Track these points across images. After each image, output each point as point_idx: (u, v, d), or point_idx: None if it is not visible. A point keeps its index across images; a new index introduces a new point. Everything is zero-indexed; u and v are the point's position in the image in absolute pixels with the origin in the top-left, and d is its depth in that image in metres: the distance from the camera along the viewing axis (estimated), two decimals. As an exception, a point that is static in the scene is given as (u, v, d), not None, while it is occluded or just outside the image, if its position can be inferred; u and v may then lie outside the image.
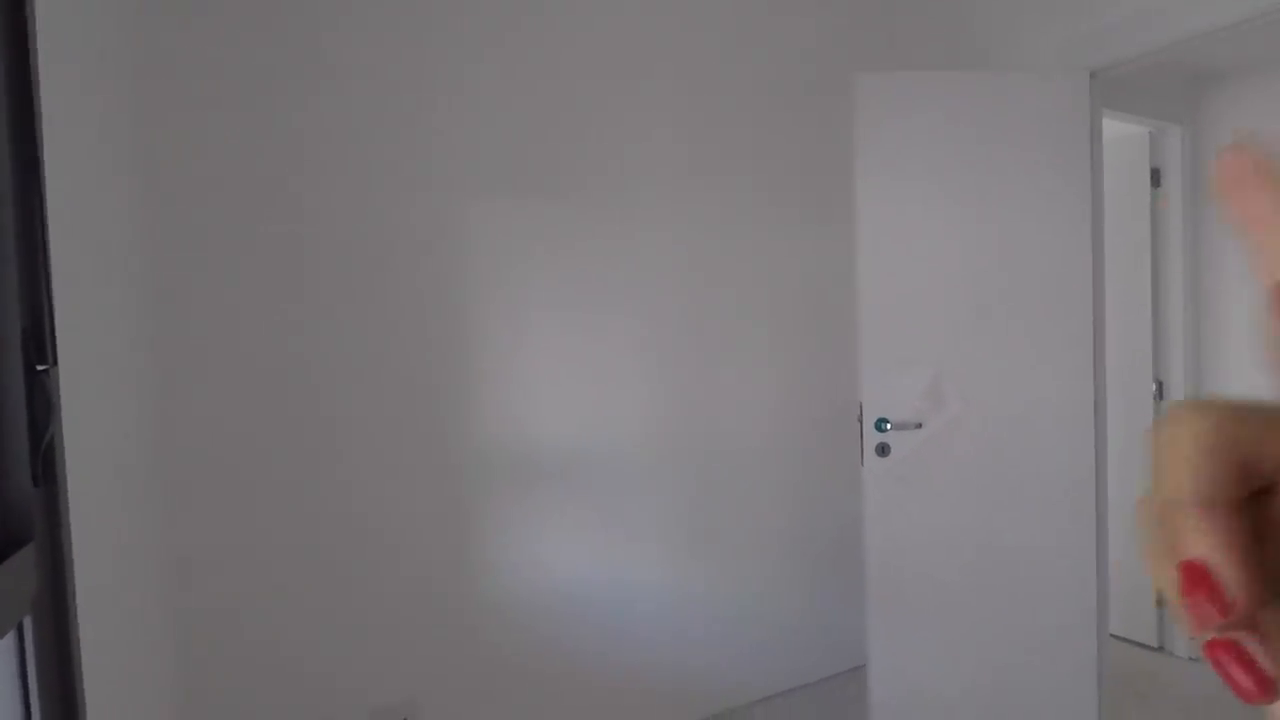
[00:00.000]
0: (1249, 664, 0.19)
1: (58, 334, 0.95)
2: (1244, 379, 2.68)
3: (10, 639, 0.84)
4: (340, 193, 1.89)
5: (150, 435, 1.62)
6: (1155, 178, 2.78)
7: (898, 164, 2.07)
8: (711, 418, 2.44)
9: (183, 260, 1.73)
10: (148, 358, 1.63)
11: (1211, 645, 0.19)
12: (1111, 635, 2.43)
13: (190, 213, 1.73)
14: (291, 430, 1.85)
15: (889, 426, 2.07)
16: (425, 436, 2.00)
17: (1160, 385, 2.80)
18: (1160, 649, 2.84)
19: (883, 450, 2.08)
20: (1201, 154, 2.75)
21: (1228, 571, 0.18)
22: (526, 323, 2.14)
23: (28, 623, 0.86)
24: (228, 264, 1.78)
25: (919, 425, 2.07)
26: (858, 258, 2.08)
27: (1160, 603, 2.83)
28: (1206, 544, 0.18)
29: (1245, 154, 0.21)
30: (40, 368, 0.90)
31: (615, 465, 2.28)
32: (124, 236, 1.47)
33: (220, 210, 1.76)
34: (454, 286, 2.04)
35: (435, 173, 2.01)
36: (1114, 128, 2.74)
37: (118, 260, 1.42)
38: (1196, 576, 0.19)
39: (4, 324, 0.87)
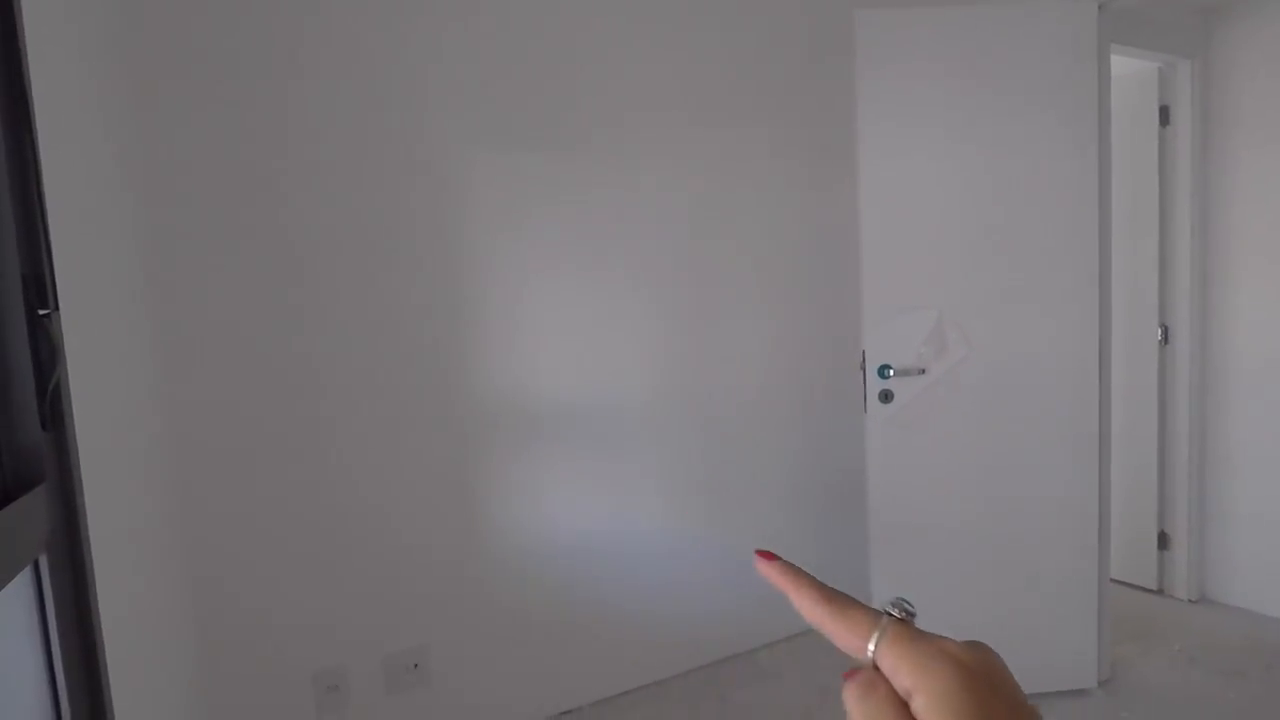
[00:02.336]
0: None
1: (58, 280, 0.95)
2: (1251, 324, 2.66)
3: (29, 578, 0.86)
4: (336, 150, 1.87)
5: (156, 388, 1.63)
6: (1164, 116, 2.72)
7: (900, 104, 2.03)
8: (714, 368, 2.45)
9: (178, 216, 1.72)
10: (149, 309, 1.63)
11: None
12: (1112, 580, 2.45)
13: (185, 167, 1.72)
14: (297, 386, 1.86)
15: (892, 373, 2.07)
16: (429, 392, 2.01)
17: (1165, 330, 2.79)
18: (1160, 592, 2.88)
19: (886, 397, 2.09)
20: (1213, 91, 2.69)
21: None
22: (526, 277, 2.13)
23: (44, 563, 0.88)
24: (224, 225, 1.77)
25: (922, 371, 2.07)
26: (860, 202, 2.06)
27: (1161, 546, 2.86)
28: None
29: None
30: (42, 312, 0.90)
31: (618, 417, 2.29)
32: (118, 186, 1.46)
33: (216, 169, 1.75)
34: (453, 241, 2.03)
35: (431, 127, 1.98)
36: (1122, 64, 2.68)
37: (114, 208, 1.41)
38: None
39: (4, 269, 0.87)
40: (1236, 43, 2.64)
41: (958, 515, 2.13)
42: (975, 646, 0.29)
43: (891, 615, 0.30)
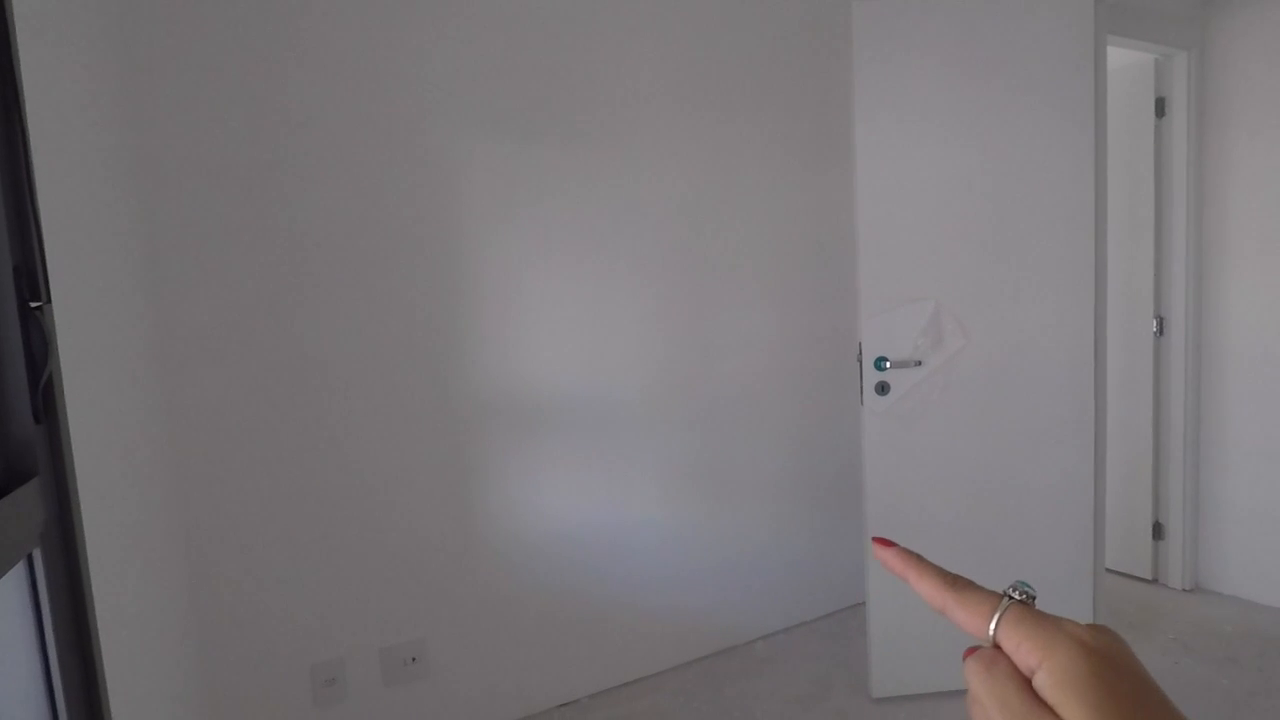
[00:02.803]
0: None
1: (51, 273, 0.94)
2: (1246, 315, 2.67)
3: (22, 571, 0.86)
4: (332, 141, 1.86)
5: (151, 380, 1.62)
6: (1160, 107, 2.72)
7: (897, 95, 2.03)
8: (711, 360, 2.45)
9: (172, 207, 1.71)
10: (142, 300, 1.63)
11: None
12: (1107, 569, 2.47)
13: (179, 157, 1.71)
14: (292, 379, 1.85)
15: (889, 365, 2.07)
16: (426, 384, 2.01)
17: (1161, 322, 2.79)
18: (1155, 581, 2.90)
19: (882, 389, 2.09)
20: (1209, 83, 2.69)
21: None
22: (524, 268, 2.13)
23: (38, 556, 0.87)
24: (219, 215, 1.76)
25: (918, 363, 2.07)
26: (856, 193, 2.05)
27: (1156, 535, 2.88)
28: None
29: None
30: (34, 305, 0.90)
31: (615, 409, 2.29)
32: (111, 175, 1.45)
33: (210, 159, 1.74)
34: (451, 232, 2.03)
35: (429, 118, 1.97)
36: (1118, 56, 2.68)
37: (107, 198, 1.40)
38: None
39: (-5, 262, 0.86)
40: (1233, 34, 2.63)
41: (954, 505, 2.14)
42: (1100, 630, 0.29)
43: (1012, 597, 0.31)
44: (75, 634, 0.89)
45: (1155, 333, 2.80)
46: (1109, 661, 0.28)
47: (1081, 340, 2.14)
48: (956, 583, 0.33)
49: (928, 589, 0.33)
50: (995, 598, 0.31)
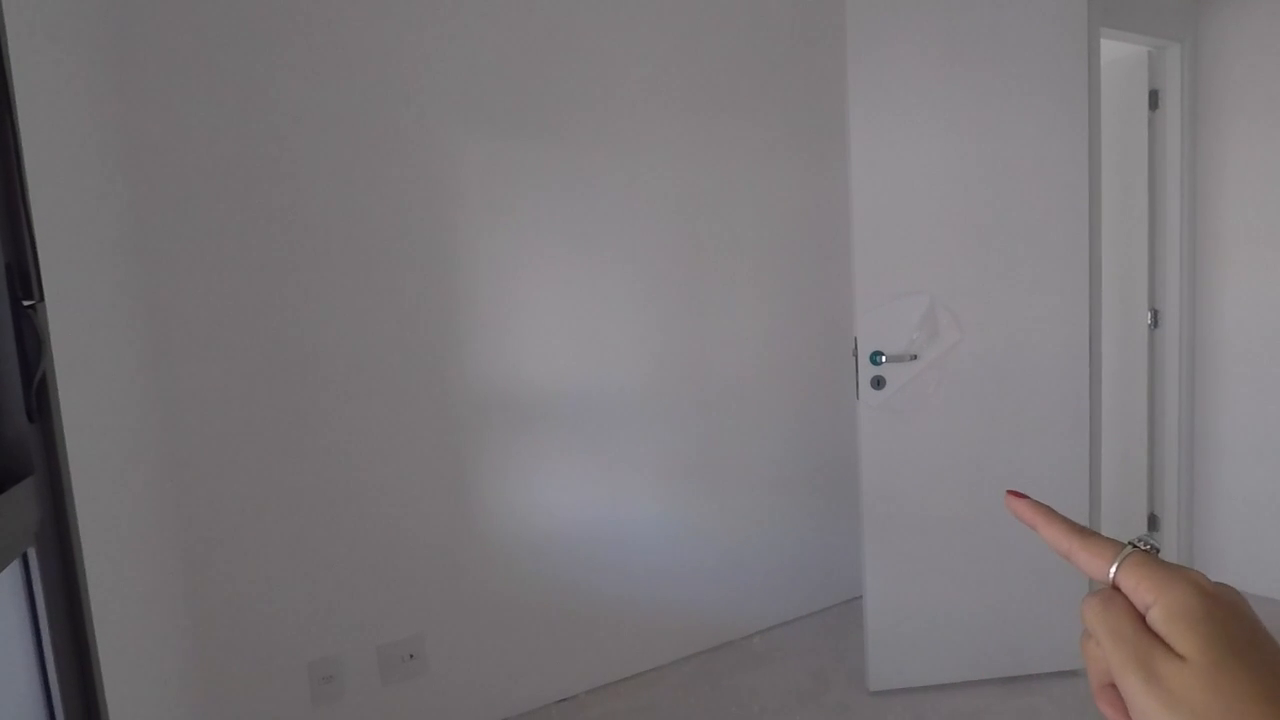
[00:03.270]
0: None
1: (43, 271, 0.94)
2: (1240, 306, 2.68)
3: (17, 569, 0.86)
4: (326, 137, 1.86)
5: (145, 378, 1.62)
6: (1154, 99, 2.73)
7: (890, 88, 2.03)
8: (706, 355, 2.45)
9: (165, 205, 1.71)
10: (136, 298, 1.62)
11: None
12: (1103, 561, 2.47)
13: (172, 155, 1.70)
14: (288, 376, 1.85)
15: (884, 359, 2.08)
16: (422, 381, 2.01)
17: (1155, 313, 2.80)
18: (1151, 573, 2.91)
19: (878, 383, 2.09)
20: (1203, 75, 2.69)
21: None
22: (519, 264, 2.13)
23: (34, 555, 0.88)
24: (212, 213, 1.75)
25: (914, 357, 2.08)
26: (850, 186, 2.05)
27: (1151, 526, 2.89)
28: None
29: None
30: (27, 303, 0.90)
31: (610, 405, 2.29)
32: (103, 173, 1.45)
33: (202, 157, 1.73)
34: (446, 229, 2.02)
35: (422, 115, 1.96)
36: (1112, 48, 2.68)
37: (99, 196, 1.40)
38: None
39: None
40: (1226, 26, 2.64)
41: (950, 498, 2.14)
42: (1220, 583, 0.31)
43: (1136, 546, 0.32)
44: (71, 632, 0.89)
45: (1150, 325, 2.81)
46: (1224, 604, 0.29)
47: (1076, 333, 2.14)
48: (1082, 530, 0.35)
49: (1056, 534, 0.35)
50: (1118, 545, 0.33)
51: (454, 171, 2.02)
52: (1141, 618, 0.30)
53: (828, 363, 2.65)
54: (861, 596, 2.21)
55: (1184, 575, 0.30)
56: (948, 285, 2.09)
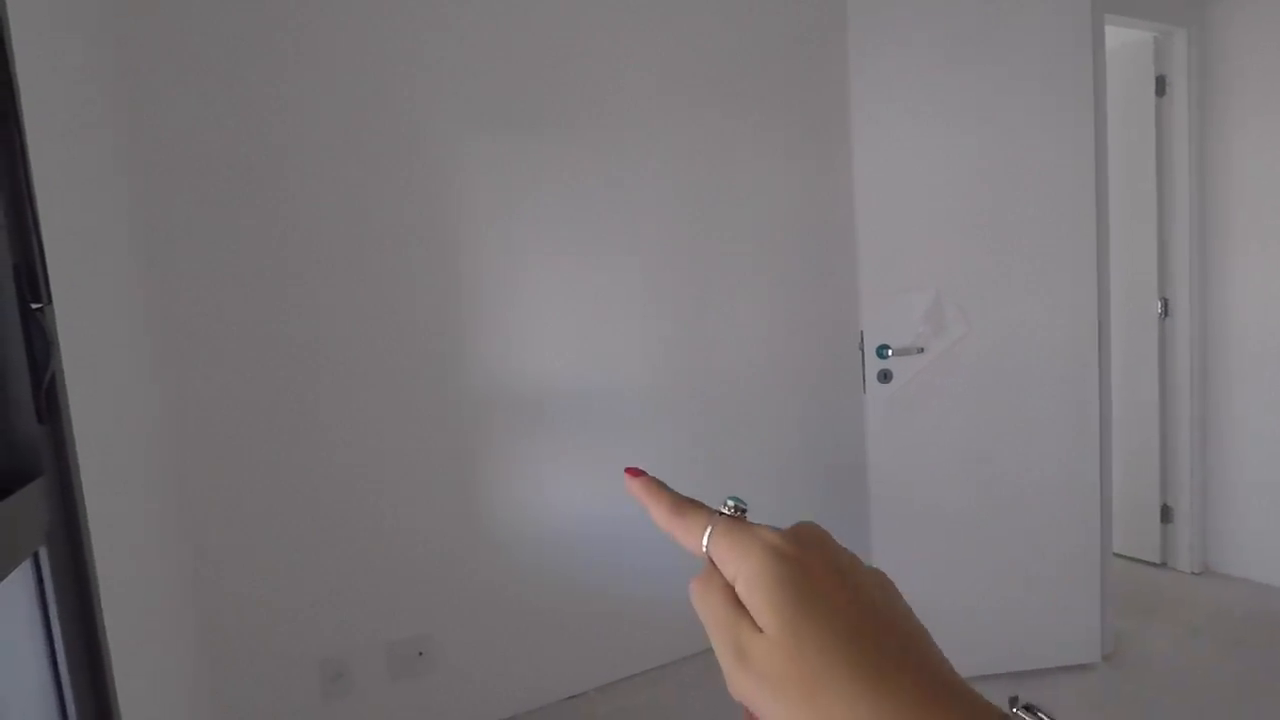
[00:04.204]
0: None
1: (51, 273, 0.94)
2: (1251, 293, 2.65)
3: (29, 569, 0.86)
4: (329, 134, 1.86)
5: (153, 379, 1.63)
6: (1160, 86, 2.70)
7: (894, 80, 2.02)
8: (712, 351, 2.44)
9: (170, 205, 1.72)
10: (142, 299, 1.63)
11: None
12: (1115, 554, 2.46)
13: (177, 154, 1.71)
14: (295, 375, 1.86)
15: (891, 353, 2.07)
16: (428, 381, 2.02)
17: (1165, 303, 2.78)
18: (1163, 565, 2.89)
19: (885, 377, 2.08)
20: (1210, 60, 2.66)
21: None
22: (523, 260, 2.13)
23: (44, 555, 0.88)
24: (217, 212, 1.76)
25: (921, 350, 2.07)
26: (855, 180, 2.05)
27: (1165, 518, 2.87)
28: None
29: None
30: (35, 306, 0.90)
31: (616, 402, 2.29)
32: (109, 175, 1.46)
33: (208, 155, 1.74)
34: (449, 225, 2.03)
35: (426, 111, 1.97)
36: (1116, 34, 2.66)
37: (105, 198, 1.41)
38: None
39: (-5, 264, 0.87)
40: (1232, 9, 2.61)
41: (959, 492, 2.13)
42: (795, 533, 0.29)
43: (722, 513, 0.31)
44: (82, 630, 0.90)
45: (1160, 315, 2.78)
46: (793, 562, 0.27)
47: (1085, 324, 2.13)
48: (681, 506, 0.32)
49: (660, 514, 0.32)
50: (709, 516, 0.31)
51: (458, 168, 2.03)
52: (734, 592, 0.28)
53: (832, 360, 2.64)
54: (871, 591, 2.20)
55: (756, 538, 0.28)
56: (954, 278, 2.08)
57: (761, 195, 2.50)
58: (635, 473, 0.34)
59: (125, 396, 1.37)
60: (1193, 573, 2.81)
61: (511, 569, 2.15)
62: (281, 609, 1.87)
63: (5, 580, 0.78)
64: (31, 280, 0.91)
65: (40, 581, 0.88)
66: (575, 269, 2.21)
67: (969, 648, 2.16)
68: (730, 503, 0.31)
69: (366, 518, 1.95)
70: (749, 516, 0.31)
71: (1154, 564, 2.90)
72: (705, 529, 0.30)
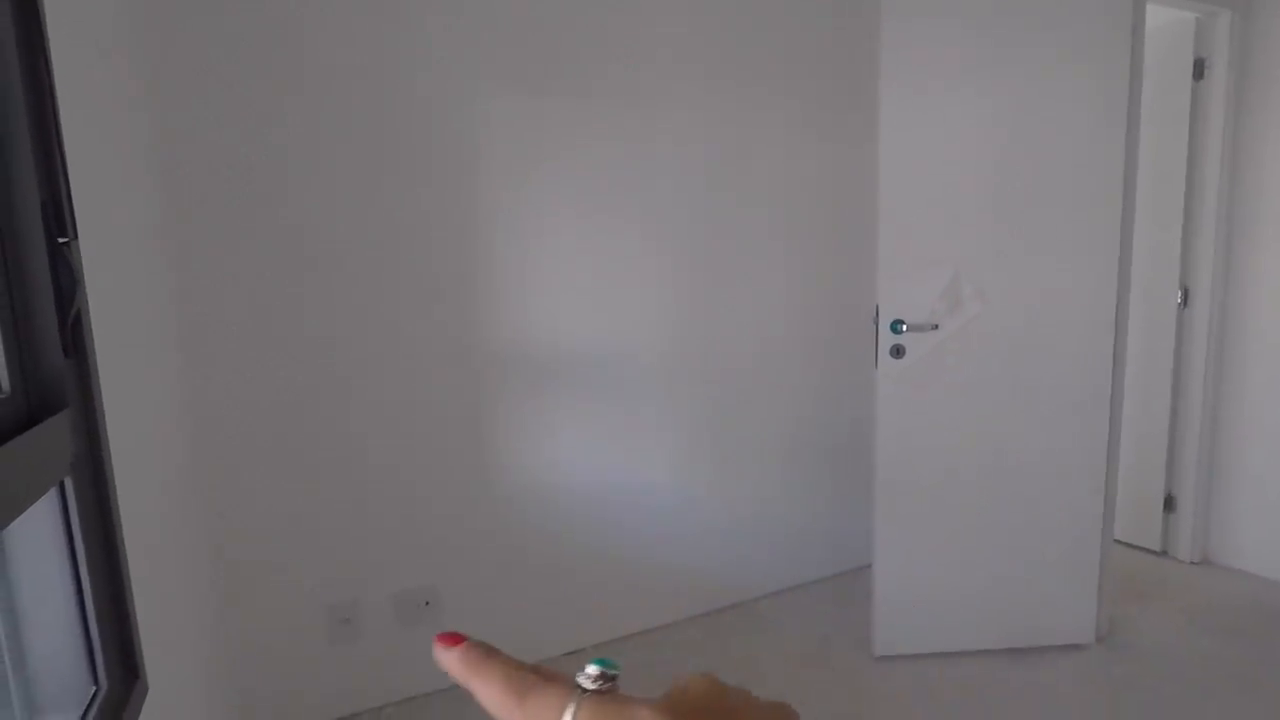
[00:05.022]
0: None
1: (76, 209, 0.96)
2: (1275, 287, 2.62)
3: (55, 498, 0.89)
4: (350, 93, 1.85)
5: (175, 316, 1.65)
6: (1199, 69, 2.63)
7: (923, 54, 1.98)
8: (726, 321, 2.45)
9: (194, 149, 1.72)
10: (165, 239, 1.65)
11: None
12: (1116, 541, 2.47)
13: (201, 97, 1.71)
14: (314, 335, 1.88)
15: (905, 328, 2.06)
16: (443, 338, 2.03)
17: (1186, 293, 2.75)
18: (1163, 554, 2.90)
19: (897, 352, 2.08)
20: (1253, 44, 2.58)
21: None
22: (541, 224, 2.13)
23: (70, 485, 0.91)
24: (240, 164, 1.77)
25: (935, 327, 2.06)
26: (880, 153, 2.02)
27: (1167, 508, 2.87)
28: None
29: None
30: (62, 240, 0.92)
31: (629, 367, 2.30)
32: (133, 115, 1.47)
33: (230, 103, 1.74)
34: (468, 189, 2.02)
35: (445, 71, 1.95)
36: (1157, 14, 2.58)
37: (129, 137, 1.41)
38: None
39: (24, 197, 0.88)
40: (1282, -7, 2.52)
41: (964, 471, 2.14)
42: (680, 695, 0.24)
43: (585, 689, 0.24)
44: (104, 556, 0.93)
45: (1179, 304, 2.75)
46: None
47: (1103, 309, 2.11)
48: (521, 682, 0.25)
49: (491, 694, 0.25)
50: (568, 689, 0.24)
51: (477, 130, 2.01)
52: None
53: (845, 335, 2.63)
54: (868, 565, 2.23)
55: (638, 713, 0.23)
56: (973, 256, 2.06)
57: (781, 168, 2.47)
58: (450, 639, 0.27)
59: (145, 334, 1.39)
60: (1192, 562, 2.82)
61: (517, 527, 2.19)
62: (293, 554, 1.92)
63: (34, 507, 0.81)
64: (58, 215, 0.92)
65: (66, 510, 0.91)
66: (590, 234, 2.20)
67: (966, 622, 2.20)
68: (593, 669, 0.24)
69: (381, 471, 1.99)
70: (619, 683, 0.25)
71: (1154, 552, 2.92)
72: (563, 707, 0.24)
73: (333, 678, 1.99)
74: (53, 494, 0.89)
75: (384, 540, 2.02)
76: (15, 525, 0.85)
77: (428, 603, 2.08)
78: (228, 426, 1.82)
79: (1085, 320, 2.11)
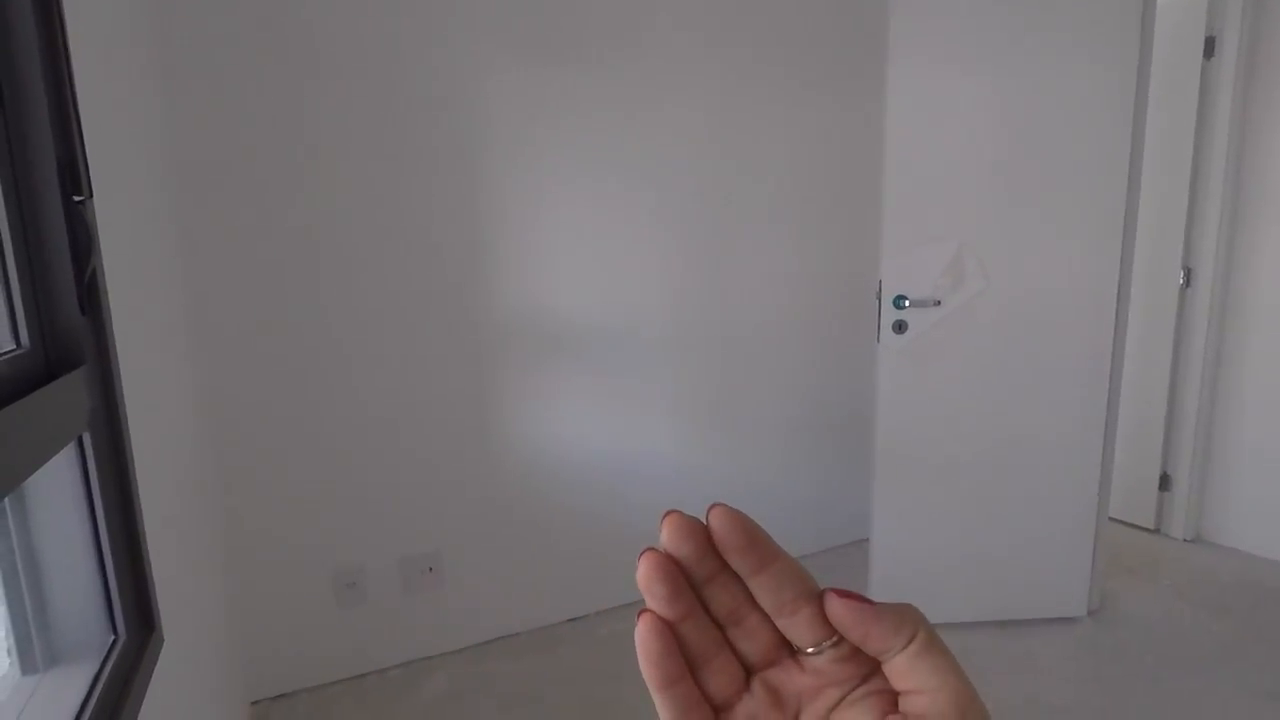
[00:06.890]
0: None
1: (91, 168, 0.97)
2: (1276, 272, 2.62)
3: (73, 452, 0.91)
4: (356, 63, 1.85)
5: (184, 278, 1.66)
6: (1209, 48, 2.61)
7: (932, 28, 1.96)
8: (728, 294, 2.46)
9: (205, 114, 1.72)
10: (177, 201, 1.66)
11: None
12: (1110, 518, 2.50)
13: (211, 67, 1.71)
14: (320, 301, 1.89)
15: (908, 304, 2.07)
16: (447, 307, 2.04)
17: (1188, 273, 2.75)
18: (1157, 531, 2.94)
19: (900, 327, 2.09)
20: (1266, 22, 2.56)
21: None
22: (544, 195, 2.13)
23: (88, 440, 0.93)
24: (249, 129, 1.77)
25: (937, 303, 2.07)
26: (886, 128, 2.01)
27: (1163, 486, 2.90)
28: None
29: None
30: (77, 199, 0.93)
31: (631, 339, 2.32)
32: (146, 76, 1.46)
33: (239, 73, 1.74)
34: (471, 159, 2.02)
35: (450, 40, 1.94)
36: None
37: (142, 98, 1.41)
38: None
39: (40, 156, 0.89)
40: (1296, -32, 2.49)
41: (962, 446, 2.17)
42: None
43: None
44: (122, 511, 0.95)
45: (1181, 284, 2.76)
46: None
47: (1104, 288, 2.12)
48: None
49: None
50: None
51: (480, 100, 2.01)
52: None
53: (848, 309, 2.64)
54: (864, 540, 2.27)
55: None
56: (977, 232, 2.06)
57: (786, 141, 2.47)
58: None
59: (159, 297, 1.41)
60: (1185, 539, 2.86)
61: (521, 494, 2.22)
62: (301, 518, 1.95)
63: (54, 461, 0.83)
64: (74, 174, 0.93)
65: (84, 463, 0.93)
66: (595, 205, 2.21)
67: (959, 594, 2.24)
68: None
69: (386, 438, 2.01)
70: None
71: (1148, 530, 2.95)
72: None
73: (339, 640, 2.03)
74: (71, 449, 0.91)
75: (390, 508, 2.05)
76: (37, 478, 0.87)
77: (431, 569, 2.12)
78: (240, 397, 1.84)
79: (1087, 299, 2.12)
